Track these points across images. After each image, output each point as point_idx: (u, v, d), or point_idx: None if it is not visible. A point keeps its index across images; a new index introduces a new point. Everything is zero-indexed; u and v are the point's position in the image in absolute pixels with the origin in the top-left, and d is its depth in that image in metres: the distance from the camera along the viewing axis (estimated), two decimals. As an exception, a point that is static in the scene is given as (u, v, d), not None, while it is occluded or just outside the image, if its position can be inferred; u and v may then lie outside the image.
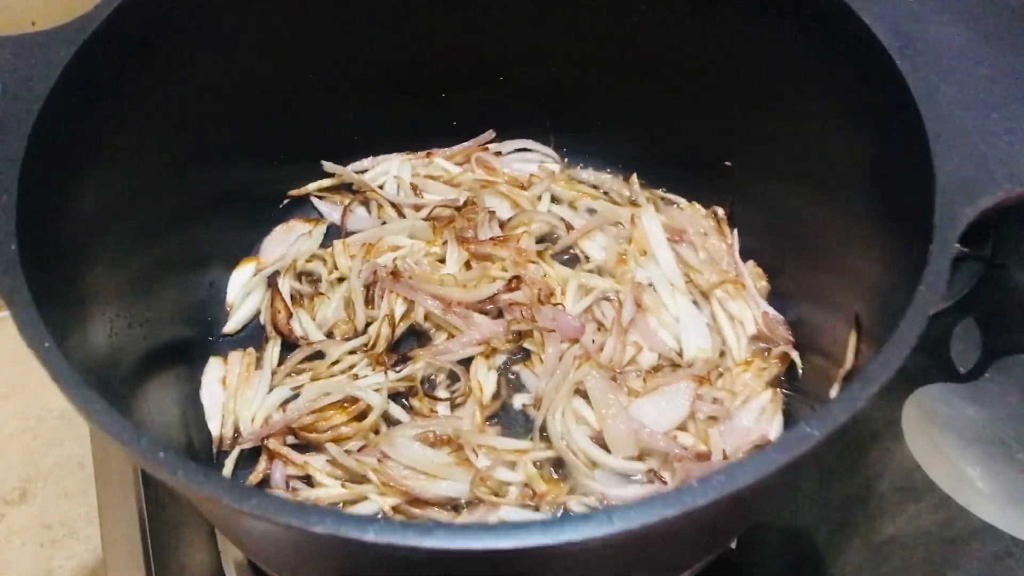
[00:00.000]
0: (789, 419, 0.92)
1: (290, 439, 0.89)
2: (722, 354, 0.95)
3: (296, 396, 0.91)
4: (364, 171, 1.09)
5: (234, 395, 0.91)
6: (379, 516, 0.81)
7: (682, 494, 0.51)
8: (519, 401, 0.93)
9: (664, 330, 0.95)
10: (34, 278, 0.63)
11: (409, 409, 0.91)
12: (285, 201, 1.08)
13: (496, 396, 0.92)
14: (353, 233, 1.04)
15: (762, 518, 0.90)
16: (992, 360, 1.09)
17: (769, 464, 0.53)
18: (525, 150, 1.11)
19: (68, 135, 0.73)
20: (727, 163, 1.00)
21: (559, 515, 0.83)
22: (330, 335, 0.96)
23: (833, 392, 0.76)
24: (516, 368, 0.96)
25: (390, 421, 0.90)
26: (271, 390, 0.92)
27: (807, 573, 0.95)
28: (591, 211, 1.06)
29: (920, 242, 0.65)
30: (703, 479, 0.52)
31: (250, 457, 0.90)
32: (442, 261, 1.00)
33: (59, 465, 1.35)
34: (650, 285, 0.98)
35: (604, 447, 0.87)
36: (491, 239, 0.99)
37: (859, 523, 0.97)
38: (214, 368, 0.94)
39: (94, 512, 1.27)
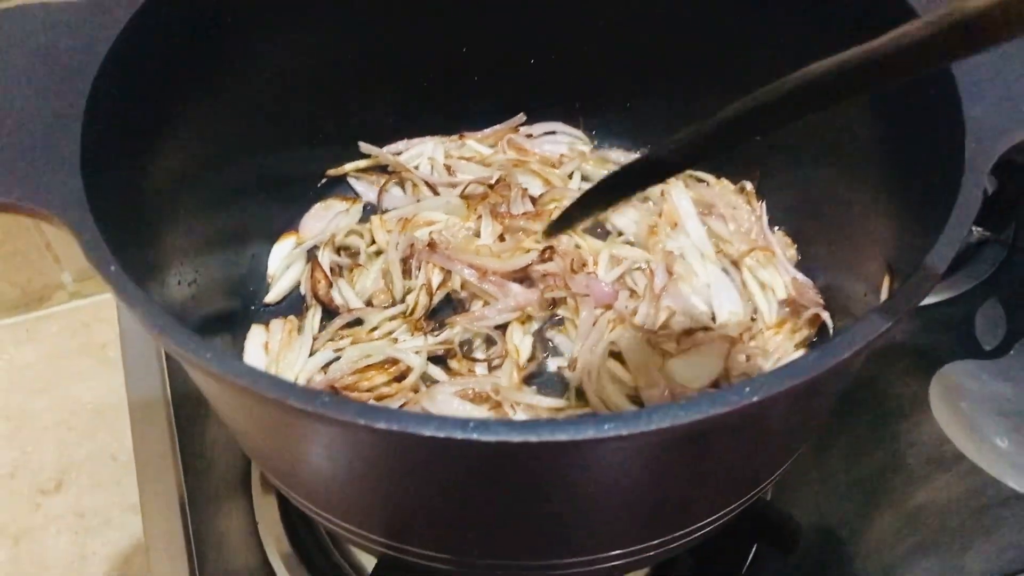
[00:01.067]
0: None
1: (332, 399, 0.90)
2: (753, 319, 0.97)
3: (337, 359, 0.93)
4: (399, 153, 1.12)
5: (276, 359, 0.93)
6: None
7: (732, 391, 0.53)
8: (554, 364, 0.95)
9: (696, 296, 0.97)
10: (99, 213, 0.65)
11: (448, 371, 0.93)
12: (323, 181, 1.11)
13: (532, 359, 0.94)
14: (389, 211, 1.07)
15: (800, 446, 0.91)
16: (1017, 338, 1.11)
17: (824, 362, 0.55)
18: (554, 132, 1.14)
19: (127, 97, 0.77)
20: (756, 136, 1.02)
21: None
22: (369, 304, 0.99)
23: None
24: (551, 334, 0.97)
25: (429, 382, 0.92)
26: (313, 354, 0.94)
27: (841, 538, 0.96)
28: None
29: (950, 184, 0.67)
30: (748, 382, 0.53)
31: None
32: (477, 235, 1.02)
33: (92, 456, 1.38)
34: (680, 256, 1.01)
35: (639, 404, 0.88)
36: (524, 213, 1.02)
37: (891, 491, 0.99)
38: (257, 334, 0.97)
39: (127, 501, 1.30)
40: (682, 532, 0.73)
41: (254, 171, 0.99)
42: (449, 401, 0.86)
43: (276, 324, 0.97)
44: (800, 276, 0.99)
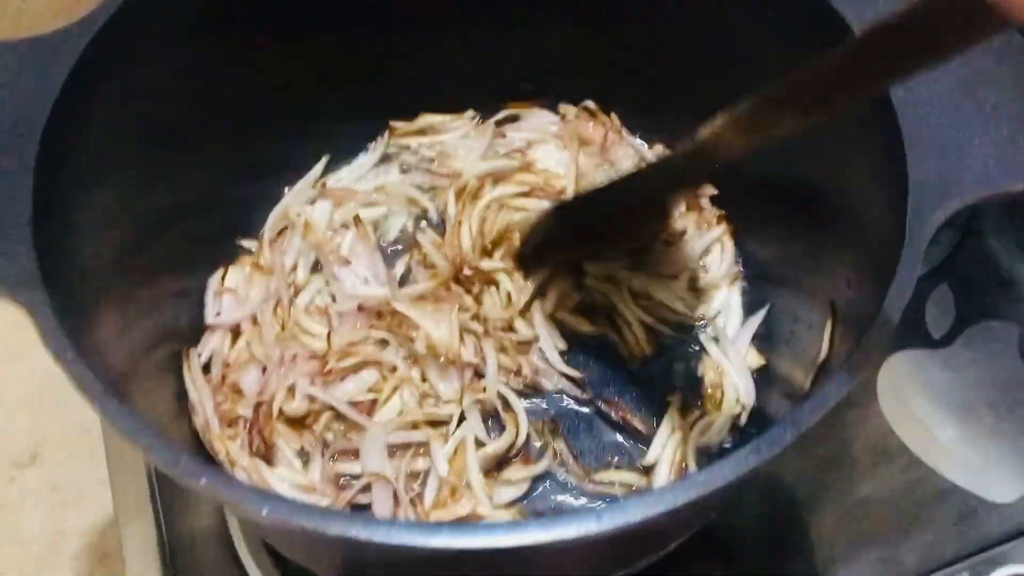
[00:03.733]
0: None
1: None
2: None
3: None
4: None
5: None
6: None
7: (660, 496, 0.56)
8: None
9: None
10: (52, 286, 0.66)
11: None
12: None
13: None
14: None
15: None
16: (965, 326, 1.12)
17: (743, 465, 0.58)
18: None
19: (74, 139, 0.75)
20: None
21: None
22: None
23: (807, 383, 0.81)
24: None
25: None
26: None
27: (787, 533, 1.00)
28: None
29: (890, 243, 0.69)
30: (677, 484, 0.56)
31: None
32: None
33: (67, 429, 1.38)
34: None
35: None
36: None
37: (835, 484, 1.02)
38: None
39: (103, 475, 1.31)
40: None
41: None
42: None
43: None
44: None
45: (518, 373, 0.96)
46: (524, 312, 0.99)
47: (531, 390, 0.98)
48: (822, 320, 0.83)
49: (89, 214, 0.77)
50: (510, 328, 0.98)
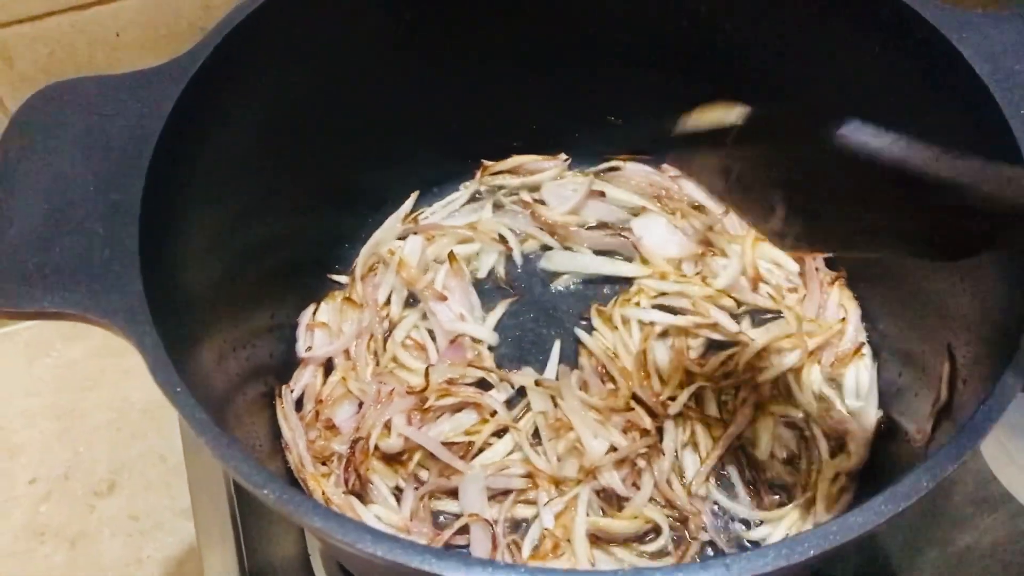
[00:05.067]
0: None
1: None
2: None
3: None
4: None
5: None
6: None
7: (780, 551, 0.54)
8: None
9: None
10: (158, 317, 0.66)
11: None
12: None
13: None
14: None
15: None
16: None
17: (877, 516, 0.56)
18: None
19: (178, 171, 0.76)
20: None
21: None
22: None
23: (928, 427, 0.77)
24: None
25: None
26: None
27: (883, 584, 0.96)
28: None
29: (1020, 285, 0.66)
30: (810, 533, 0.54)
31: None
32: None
33: (143, 457, 1.39)
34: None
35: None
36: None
37: (933, 534, 0.98)
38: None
39: (178, 504, 1.32)
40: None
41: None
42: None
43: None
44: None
45: (671, 506, 0.91)
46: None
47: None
48: (936, 365, 0.80)
49: (191, 246, 0.78)
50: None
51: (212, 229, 0.82)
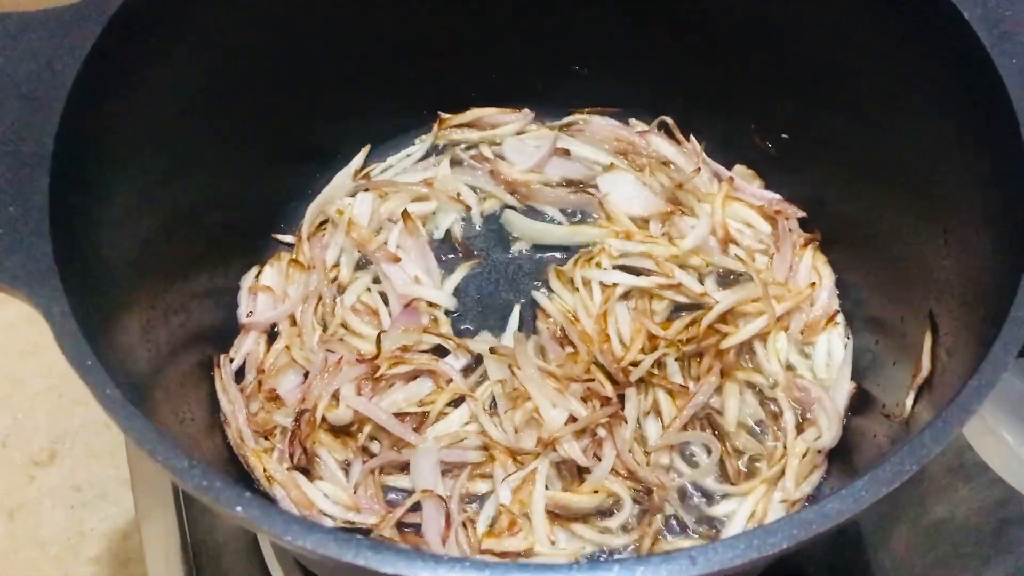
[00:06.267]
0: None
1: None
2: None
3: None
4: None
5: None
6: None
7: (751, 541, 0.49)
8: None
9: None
10: (71, 284, 0.59)
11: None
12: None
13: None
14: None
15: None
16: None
17: (856, 503, 0.51)
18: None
19: (99, 120, 0.69)
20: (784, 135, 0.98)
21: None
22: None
23: (908, 401, 0.73)
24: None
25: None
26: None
27: (854, 558, 0.93)
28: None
29: (1010, 251, 0.62)
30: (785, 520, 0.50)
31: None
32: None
33: (86, 426, 1.34)
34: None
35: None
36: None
37: (908, 506, 0.95)
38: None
39: (123, 474, 1.26)
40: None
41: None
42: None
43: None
44: (769, 194, 1.00)
45: (633, 478, 0.85)
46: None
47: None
48: (916, 333, 0.75)
49: (113, 205, 0.72)
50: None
51: (139, 186, 0.76)
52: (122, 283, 0.71)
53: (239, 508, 0.51)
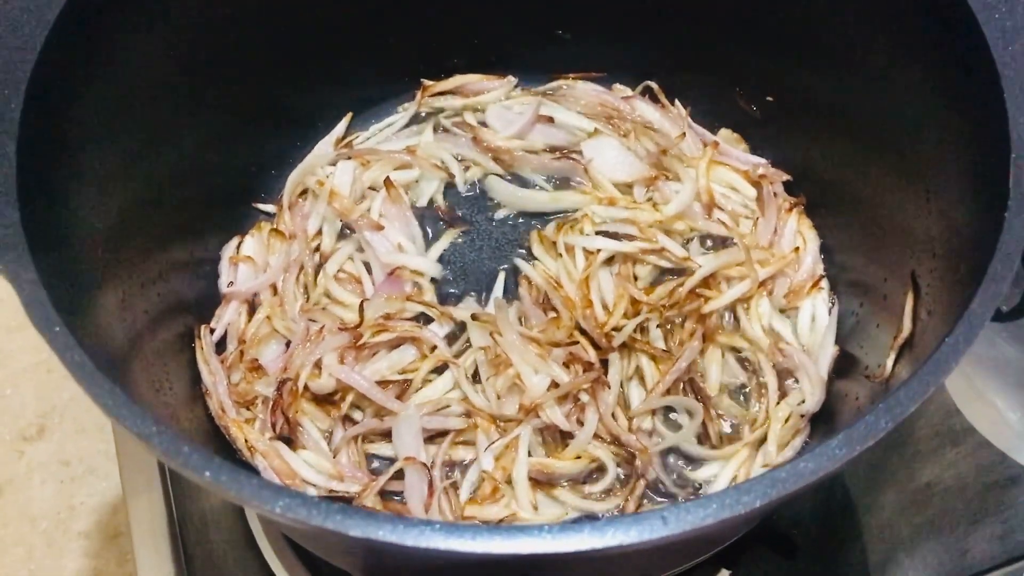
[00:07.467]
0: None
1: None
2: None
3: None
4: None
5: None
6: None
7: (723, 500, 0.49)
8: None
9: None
10: (40, 251, 0.59)
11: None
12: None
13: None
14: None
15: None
16: (1036, 299, 1.04)
17: (832, 461, 0.51)
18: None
19: (69, 85, 0.68)
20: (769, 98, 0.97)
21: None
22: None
23: (889, 362, 0.73)
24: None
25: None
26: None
27: (841, 522, 0.93)
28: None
29: (990, 208, 0.61)
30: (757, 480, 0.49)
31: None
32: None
33: (75, 400, 1.34)
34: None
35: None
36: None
37: (895, 469, 0.95)
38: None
39: (112, 448, 1.26)
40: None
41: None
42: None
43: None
44: (754, 159, 0.99)
45: (616, 443, 0.85)
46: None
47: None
48: (898, 294, 0.75)
49: (87, 174, 0.71)
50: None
51: (114, 155, 0.75)
52: (97, 253, 0.70)
53: (207, 473, 0.50)
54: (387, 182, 0.97)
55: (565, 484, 0.84)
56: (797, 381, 0.88)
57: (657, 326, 0.89)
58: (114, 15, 0.73)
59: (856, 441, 0.51)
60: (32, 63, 0.65)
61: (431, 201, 1.02)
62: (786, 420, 0.85)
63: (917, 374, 0.53)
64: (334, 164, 1.01)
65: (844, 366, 0.87)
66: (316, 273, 0.95)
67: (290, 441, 0.86)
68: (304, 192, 1.00)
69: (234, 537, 0.93)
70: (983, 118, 0.65)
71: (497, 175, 1.03)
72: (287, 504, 0.49)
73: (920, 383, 0.53)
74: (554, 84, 1.08)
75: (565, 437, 0.85)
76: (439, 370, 0.89)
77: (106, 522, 1.25)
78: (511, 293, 0.95)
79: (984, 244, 0.60)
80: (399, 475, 0.82)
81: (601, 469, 0.84)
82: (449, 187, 1.03)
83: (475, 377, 0.89)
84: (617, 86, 1.07)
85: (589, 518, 0.83)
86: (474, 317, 0.88)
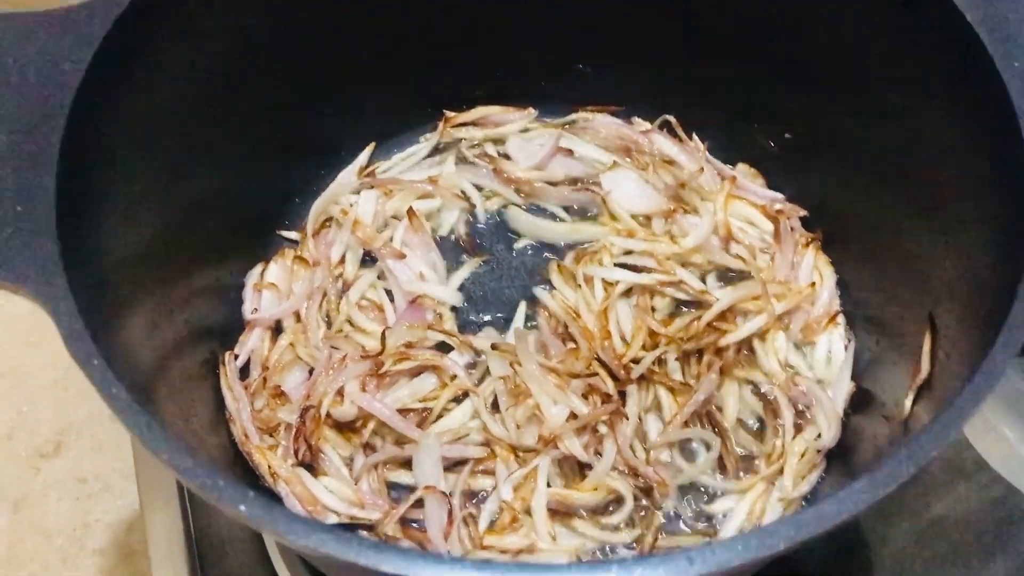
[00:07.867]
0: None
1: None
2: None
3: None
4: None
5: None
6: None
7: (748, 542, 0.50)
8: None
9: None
10: (76, 283, 0.60)
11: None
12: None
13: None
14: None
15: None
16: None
17: (856, 503, 0.52)
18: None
19: (105, 119, 0.70)
20: (787, 134, 0.98)
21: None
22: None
23: (907, 401, 0.73)
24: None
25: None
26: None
27: (853, 555, 0.93)
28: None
29: (1010, 251, 0.62)
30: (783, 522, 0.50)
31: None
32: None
33: (91, 417, 1.34)
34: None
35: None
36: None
37: (907, 503, 0.96)
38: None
39: (127, 466, 1.27)
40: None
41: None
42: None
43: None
44: (771, 193, 1.00)
45: (635, 475, 0.86)
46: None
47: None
48: (915, 334, 0.76)
49: (119, 203, 0.72)
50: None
51: (144, 184, 0.76)
52: (127, 281, 0.71)
53: (242, 507, 0.51)
54: (410, 212, 0.98)
55: (583, 515, 0.85)
56: (812, 416, 0.89)
57: (676, 359, 0.90)
58: (146, 53, 0.75)
59: (880, 485, 0.52)
60: (70, 101, 0.66)
61: (452, 230, 1.03)
62: (802, 455, 0.86)
63: (938, 419, 0.54)
64: (357, 193, 1.02)
65: (860, 401, 0.88)
66: (339, 300, 0.96)
67: (312, 468, 0.87)
68: (328, 220, 1.01)
69: (251, 557, 0.94)
70: (1004, 165, 0.66)
71: (517, 205, 1.04)
72: (321, 539, 0.50)
73: (942, 429, 0.54)
74: (574, 117, 1.09)
75: (583, 468, 0.85)
76: (459, 399, 0.90)
77: (121, 540, 1.26)
78: (530, 323, 0.96)
79: (1004, 289, 0.60)
80: (419, 503, 0.82)
81: (619, 500, 0.85)
82: (470, 217, 1.04)
83: (494, 406, 0.89)
84: (636, 120, 1.08)
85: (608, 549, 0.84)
86: (494, 346, 0.89)
